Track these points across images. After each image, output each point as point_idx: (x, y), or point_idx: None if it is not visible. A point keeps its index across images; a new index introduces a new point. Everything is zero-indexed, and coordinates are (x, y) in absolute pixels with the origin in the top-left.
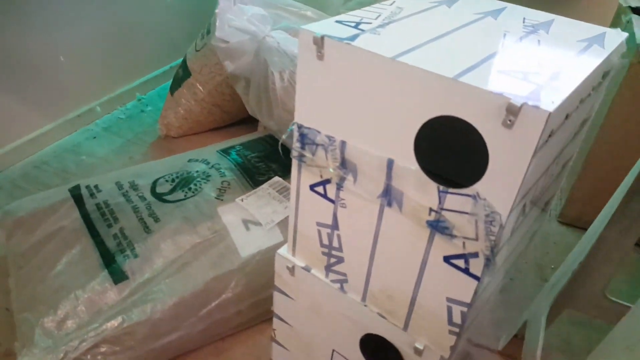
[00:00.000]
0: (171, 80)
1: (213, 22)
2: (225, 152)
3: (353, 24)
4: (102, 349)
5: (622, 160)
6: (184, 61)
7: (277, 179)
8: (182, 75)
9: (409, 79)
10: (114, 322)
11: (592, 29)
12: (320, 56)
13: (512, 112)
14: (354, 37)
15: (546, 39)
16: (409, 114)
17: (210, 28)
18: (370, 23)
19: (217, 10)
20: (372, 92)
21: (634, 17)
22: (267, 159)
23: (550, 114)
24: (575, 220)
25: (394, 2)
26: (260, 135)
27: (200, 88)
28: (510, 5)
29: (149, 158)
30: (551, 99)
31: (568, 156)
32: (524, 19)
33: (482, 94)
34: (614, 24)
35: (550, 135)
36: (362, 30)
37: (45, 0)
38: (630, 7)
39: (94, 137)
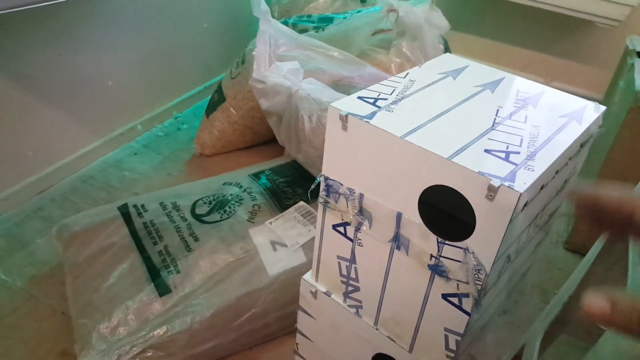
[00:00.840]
0: (205, 99)
1: (249, 57)
2: (256, 176)
3: (372, 100)
4: (149, 354)
5: None
6: (220, 87)
7: (302, 203)
8: (217, 99)
9: (414, 154)
10: (159, 331)
11: (574, 103)
12: (345, 128)
13: (492, 190)
14: (371, 115)
15: (532, 115)
16: (413, 180)
17: (245, 59)
18: (386, 99)
19: (254, 53)
20: (385, 159)
21: (637, 61)
22: (294, 183)
23: (521, 194)
24: (581, 248)
25: (407, 74)
26: (287, 161)
27: (234, 112)
28: (507, 77)
29: (185, 174)
30: (524, 180)
31: (554, 207)
32: (517, 92)
33: (470, 173)
34: (621, 65)
35: (525, 205)
36: (379, 107)
37: (96, 30)
38: (636, 51)
39: (135, 154)
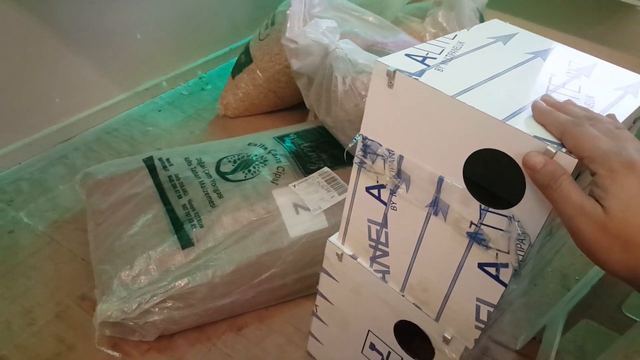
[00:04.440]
0: (230, 61)
1: (279, 18)
2: (281, 139)
3: (420, 59)
4: (168, 304)
5: None
6: (247, 48)
7: (326, 169)
8: (244, 61)
9: (465, 115)
10: (180, 282)
11: (629, 77)
12: (391, 85)
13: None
14: (420, 73)
15: (586, 86)
16: (461, 142)
17: (275, 20)
18: (435, 58)
19: (288, 12)
20: (432, 120)
21: None
22: (318, 149)
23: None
24: None
25: (455, 36)
26: (312, 126)
27: (260, 74)
28: (559, 46)
29: (208, 134)
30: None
31: None
32: (570, 62)
33: (525, 136)
34: None
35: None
36: (428, 65)
37: None
38: None
39: (159, 110)
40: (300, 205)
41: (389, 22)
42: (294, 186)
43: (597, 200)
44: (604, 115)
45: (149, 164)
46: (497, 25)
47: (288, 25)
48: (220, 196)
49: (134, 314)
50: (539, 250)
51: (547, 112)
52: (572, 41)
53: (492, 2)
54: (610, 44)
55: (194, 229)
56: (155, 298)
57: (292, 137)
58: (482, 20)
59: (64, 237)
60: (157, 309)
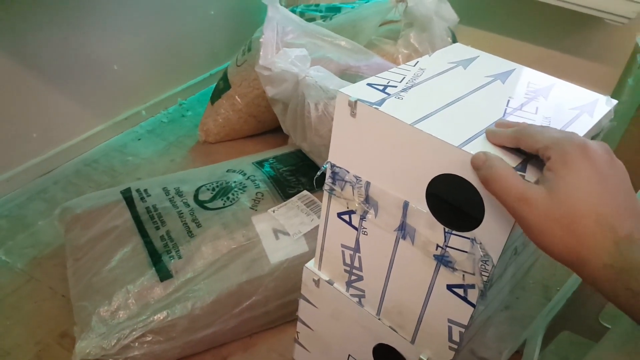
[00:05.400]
0: (210, 86)
1: (255, 44)
2: (260, 164)
3: (381, 87)
4: (148, 338)
5: None
6: (225, 74)
7: (305, 192)
8: (222, 87)
9: (424, 142)
10: (160, 316)
11: (586, 96)
12: (353, 114)
13: None
14: (381, 102)
15: (543, 107)
16: (422, 168)
17: (252, 46)
18: (395, 86)
19: (261, 40)
20: (394, 147)
21: None
22: (298, 172)
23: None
24: None
25: (417, 63)
26: (291, 150)
27: (239, 100)
28: (518, 68)
29: (189, 161)
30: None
31: None
32: (528, 83)
33: None
34: (630, 63)
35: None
36: (388, 94)
37: (104, 14)
38: None
39: (139, 139)
40: (280, 231)
41: (361, 46)
42: (274, 211)
43: (545, 184)
44: None
45: (127, 195)
46: (458, 50)
47: (261, 52)
48: (198, 225)
49: (113, 350)
50: (507, 269)
51: (499, 131)
52: (543, 53)
53: (463, 19)
54: (580, 55)
55: (172, 261)
56: (134, 333)
57: (271, 161)
58: (454, 38)
59: (44, 273)
60: (137, 344)
